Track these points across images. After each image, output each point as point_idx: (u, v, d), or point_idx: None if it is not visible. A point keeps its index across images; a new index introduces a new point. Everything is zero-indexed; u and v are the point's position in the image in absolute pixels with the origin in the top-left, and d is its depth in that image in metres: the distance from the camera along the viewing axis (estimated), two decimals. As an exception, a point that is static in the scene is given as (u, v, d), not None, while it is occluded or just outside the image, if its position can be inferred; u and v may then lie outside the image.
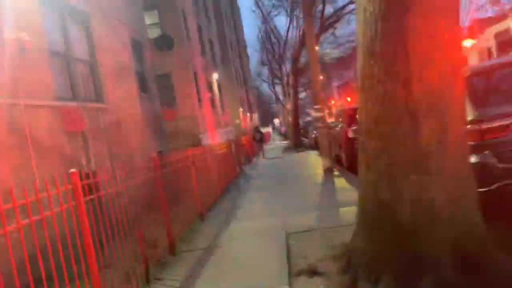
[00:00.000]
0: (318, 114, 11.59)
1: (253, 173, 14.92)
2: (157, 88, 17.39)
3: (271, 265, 4.45)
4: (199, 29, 22.83)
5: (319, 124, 11.63)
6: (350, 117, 11.77)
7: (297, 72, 24.07)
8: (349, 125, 11.55)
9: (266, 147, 35.09)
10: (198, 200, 7.64)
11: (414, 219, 3.04)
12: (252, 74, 63.46)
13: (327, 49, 38.36)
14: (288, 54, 43.06)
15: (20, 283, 2.53)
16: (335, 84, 75.28)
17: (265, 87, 73.59)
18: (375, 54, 3.15)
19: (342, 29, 35.05)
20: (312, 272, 3.92)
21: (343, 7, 23.90)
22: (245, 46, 58.65)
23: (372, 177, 3.29)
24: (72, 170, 3.36)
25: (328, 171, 11.49)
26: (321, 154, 12.19)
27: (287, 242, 5.24)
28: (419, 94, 3.02)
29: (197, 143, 17.89)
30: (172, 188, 6.53)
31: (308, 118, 60.22)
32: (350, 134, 11.39)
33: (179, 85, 17.84)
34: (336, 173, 11.23)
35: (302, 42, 24.45)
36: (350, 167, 11.82)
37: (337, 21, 25.21)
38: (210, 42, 26.52)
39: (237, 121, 36.95)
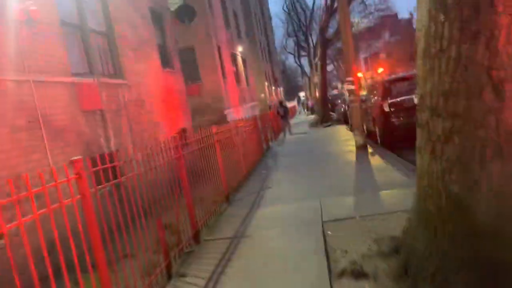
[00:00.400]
0: (351, 87, 10.78)
1: (281, 150, 14.33)
2: (180, 63, 16.85)
3: (307, 261, 3.90)
4: (223, 0, 21.92)
5: (352, 98, 10.83)
6: (386, 89, 10.89)
7: (325, 43, 22.93)
8: (385, 98, 10.70)
9: (292, 121, 34.32)
10: (224, 181, 7.14)
11: (498, 218, 2.39)
12: (277, 47, 61.97)
13: (355, 18, 36.68)
14: (315, 24, 41.56)
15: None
16: (362, 55, 72.71)
17: (290, 60, 72.12)
18: (447, 6, 2.43)
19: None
20: (357, 273, 3.34)
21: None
22: (270, 18, 57.02)
23: (439, 165, 2.62)
24: (76, 157, 2.85)
25: (361, 148, 10.76)
26: (353, 130, 11.44)
27: (323, 232, 4.67)
28: (507, 56, 2.30)
29: (222, 119, 17.37)
30: (196, 168, 6.05)
31: (334, 92, 58.79)
32: (386, 108, 10.56)
33: (203, 59, 17.20)
34: (370, 150, 10.49)
35: (330, 11, 23.22)
36: (384, 143, 11.04)
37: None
38: (234, 14, 25.59)
39: (262, 96, 36.18)
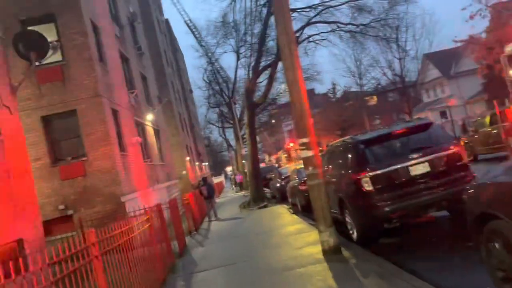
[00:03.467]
0: (307, 153, 6.64)
1: (202, 256, 9.44)
2: (54, 131, 11.94)
3: None
4: (125, 59, 17.75)
5: (311, 170, 6.62)
6: (359, 155, 6.90)
7: (253, 107, 19.41)
8: (360, 170, 6.65)
9: (219, 200, 29.58)
10: None
11: None
12: (201, 122, 58.61)
13: (282, 85, 34.54)
14: (238, 96, 38.83)
15: None
16: (286, 127, 71.93)
17: (215, 135, 68.73)
18: None
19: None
20: None
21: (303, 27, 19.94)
22: (191, 91, 54.10)
23: None
24: None
25: (333, 255, 6.43)
26: (316, 221, 7.10)
27: None
28: None
29: (119, 209, 12.26)
30: None
31: (262, 165, 55.62)
32: (366, 186, 6.46)
33: (90, 126, 12.36)
34: (347, 254, 6.18)
35: (257, 72, 20.08)
36: (365, 241, 6.83)
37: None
38: (143, 78, 21.44)
39: (184, 172, 31.36)
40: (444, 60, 40.98)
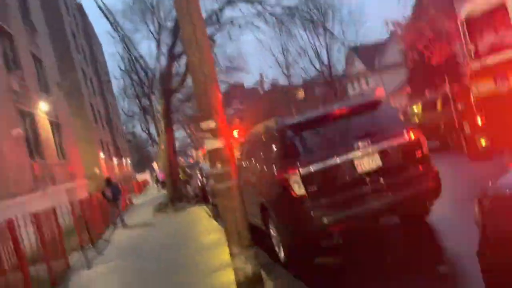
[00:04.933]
0: (213, 144, 4.58)
1: (83, 285, 7.02)
2: None
3: None
4: (5, 33, 14.37)
5: (219, 169, 4.57)
6: (286, 145, 5.00)
7: (169, 93, 17.01)
8: (287, 165, 4.74)
9: (138, 201, 26.70)
10: None
11: None
12: (123, 115, 54.19)
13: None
14: (159, 86, 35.84)
15: None
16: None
17: (139, 129, 64.25)
18: None
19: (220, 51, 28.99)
20: None
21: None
22: (109, 81, 49.61)
23: None
24: None
25: (250, 284, 4.48)
26: (227, 241, 5.00)
27: None
28: None
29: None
30: None
31: (190, 161, 52.71)
32: (297, 188, 4.56)
33: None
34: (271, 287, 4.29)
35: (173, 56, 17.65)
36: (294, 261, 4.99)
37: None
38: (37, 60, 17.99)
39: (96, 171, 27.91)
40: (369, 54, 41.48)
